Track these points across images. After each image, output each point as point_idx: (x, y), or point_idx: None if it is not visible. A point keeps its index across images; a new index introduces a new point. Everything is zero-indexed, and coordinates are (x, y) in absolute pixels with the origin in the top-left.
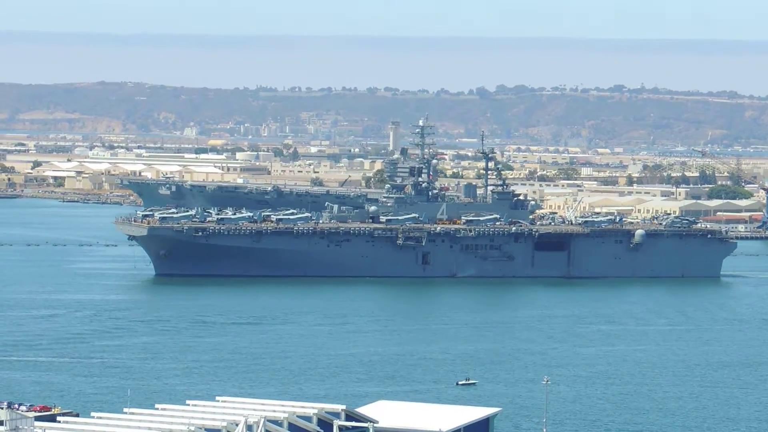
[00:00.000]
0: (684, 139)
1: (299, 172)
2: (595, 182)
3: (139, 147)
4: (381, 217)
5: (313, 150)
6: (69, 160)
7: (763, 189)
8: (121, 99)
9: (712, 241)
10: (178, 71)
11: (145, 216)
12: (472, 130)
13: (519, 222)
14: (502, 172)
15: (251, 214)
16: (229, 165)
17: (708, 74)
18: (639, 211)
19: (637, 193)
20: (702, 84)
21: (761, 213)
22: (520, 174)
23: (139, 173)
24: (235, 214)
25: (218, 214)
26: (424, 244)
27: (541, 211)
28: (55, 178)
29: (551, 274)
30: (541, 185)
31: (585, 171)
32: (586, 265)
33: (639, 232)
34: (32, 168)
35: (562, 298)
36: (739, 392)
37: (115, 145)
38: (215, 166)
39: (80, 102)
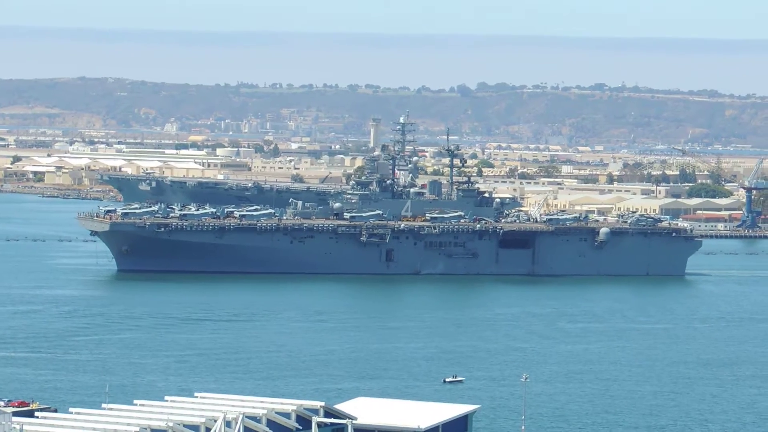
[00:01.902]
0: (664, 137)
1: (280, 168)
2: (576, 180)
3: (119, 142)
4: (345, 213)
5: (294, 146)
6: (49, 155)
7: (743, 188)
8: (101, 94)
9: (676, 240)
10: (159, 67)
11: (107, 212)
12: (453, 128)
13: (483, 219)
14: (467, 169)
15: (214, 210)
16: (209, 161)
17: (688, 73)
18: (619, 209)
19: (617, 191)
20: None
21: (741, 212)
22: (500, 172)
23: (119, 169)
24: (198, 209)
25: (181, 210)
26: (387, 240)
27: (522, 209)
28: (35, 173)
29: (516, 272)
30: (521, 183)
31: (565, 169)
32: (551, 263)
33: (604, 230)
34: (12, 163)
35: (527, 295)
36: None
37: (96, 140)
38: (195, 162)
39: (60, 97)
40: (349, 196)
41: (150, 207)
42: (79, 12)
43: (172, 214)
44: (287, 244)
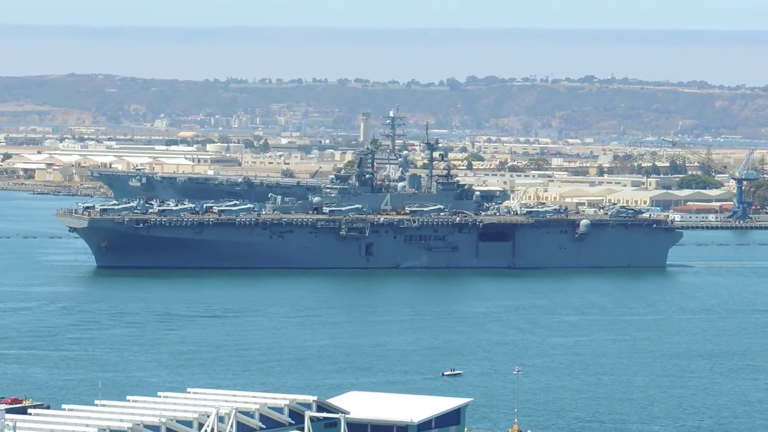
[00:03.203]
0: (654, 129)
1: (270, 163)
2: (566, 173)
3: (109, 139)
4: (324, 207)
5: (284, 141)
6: (39, 152)
7: (734, 179)
8: (91, 91)
9: (657, 231)
10: (148, 63)
11: (86, 208)
12: (442, 121)
13: (463, 212)
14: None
15: (193, 206)
16: (199, 157)
17: (678, 64)
18: (609, 201)
19: (607, 183)
20: (672, 74)
21: (732, 203)
22: (490, 165)
23: (110, 165)
24: (177, 205)
25: (160, 206)
26: (367, 234)
27: (509, 202)
28: (26, 170)
29: (496, 265)
30: (511, 176)
31: (555, 161)
32: (531, 255)
33: (584, 222)
34: (2, 160)
35: (510, 288)
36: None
37: (86, 137)
38: (186, 158)
39: (50, 94)
40: (328, 190)
41: (129, 203)
42: (68, 9)
43: (150, 210)
44: (266, 239)
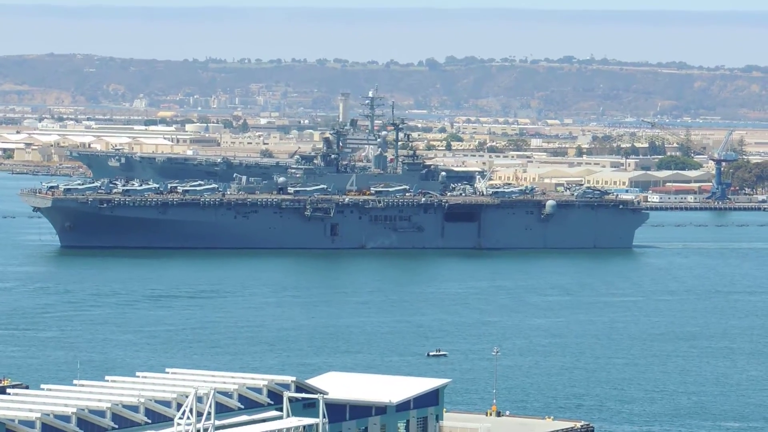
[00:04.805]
0: (633, 110)
1: (249, 143)
2: (545, 153)
3: (88, 119)
4: (289, 188)
5: (263, 122)
6: (18, 132)
7: (713, 160)
8: (70, 71)
9: (624, 212)
10: (127, 43)
11: (50, 188)
12: (421, 102)
13: (429, 193)
14: (411, 143)
15: (157, 186)
16: (178, 137)
17: (657, 45)
18: (589, 182)
19: (586, 164)
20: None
21: (710, 184)
22: (469, 145)
23: (89, 145)
24: (141, 185)
25: (124, 186)
26: (332, 215)
27: (491, 182)
28: (4, 150)
29: (461, 246)
30: (490, 156)
31: (535, 142)
32: (497, 236)
33: (550, 202)
34: None
35: (476, 269)
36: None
37: (65, 117)
38: (165, 138)
39: (29, 74)
40: (293, 170)
41: (93, 183)
42: None
43: (115, 190)
44: (231, 219)
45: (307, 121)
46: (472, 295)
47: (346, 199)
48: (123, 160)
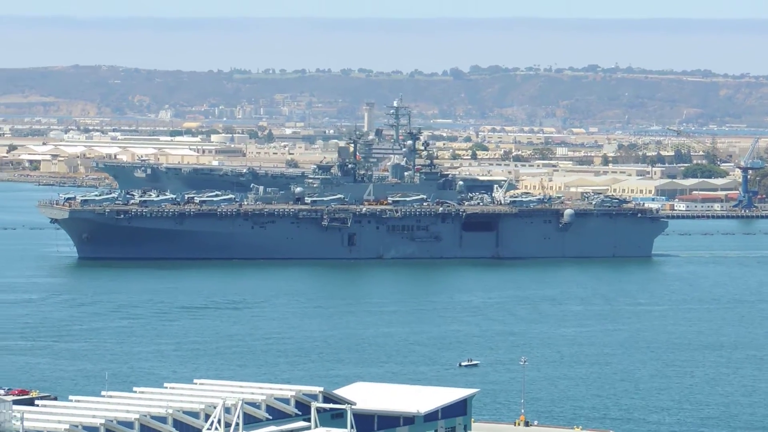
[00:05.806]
0: (659, 118)
1: (274, 154)
2: (571, 162)
3: (114, 130)
4: (306, 198)
5: (288, 132)
6: (44, 144)
7: (739, 168)
8: (95, 82)
9: (642, 220)
10: (152, 54)
11: (67, 199)
12: (446, 111)
13: (446, 202)
14: (430, 152)
15: (174, 196)
16: (204, 147)
17: (682, 53)
18: (615, 190)
19: (612, 172)
20: (676, 63)
21: (737, 192)
22: (495, 155)
23: (115, 156)
24: (158, 196)
25: (141, 197)
26: (349, 225)
27: (517, 191)
28: (31, 161)
29: (479, 255)
30: (516, 166)
31: (560, 151)
32: (515, 245)
33: (568, 211)
34: (7, 152)
35: (496, 279)
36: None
37: (90, 128)
38: (190, 149)
39: (55, 85)
40: (310, 180)
41: (110, 194)
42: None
43: (132, 201)
44: (248, 230)
45: (332, 131)
46: (493, 305)
47: (364, 209)
48: (149, 171)
